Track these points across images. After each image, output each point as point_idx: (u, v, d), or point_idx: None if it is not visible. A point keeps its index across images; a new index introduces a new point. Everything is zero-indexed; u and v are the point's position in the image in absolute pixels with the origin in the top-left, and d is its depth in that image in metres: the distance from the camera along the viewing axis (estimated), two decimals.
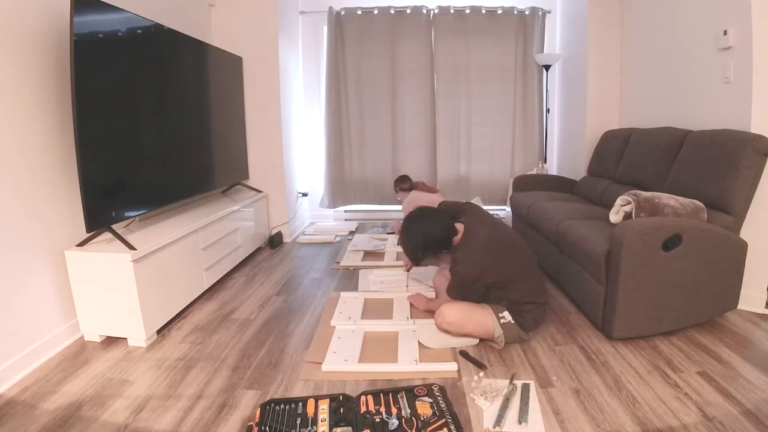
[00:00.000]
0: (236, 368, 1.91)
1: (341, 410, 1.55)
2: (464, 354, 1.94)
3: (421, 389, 1.66)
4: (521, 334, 2.02)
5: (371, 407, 1.57)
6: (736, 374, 1.77)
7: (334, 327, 2.24)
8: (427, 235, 1.97)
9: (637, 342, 2.05)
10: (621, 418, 1.53)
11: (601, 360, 1.92)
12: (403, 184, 3.79)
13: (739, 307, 2.23)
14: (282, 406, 1.59)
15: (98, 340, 2.16)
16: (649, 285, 1.99)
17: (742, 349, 1.97)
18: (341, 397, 1.62)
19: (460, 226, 2.03)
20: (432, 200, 3.51)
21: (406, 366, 1.87)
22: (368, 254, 3.50)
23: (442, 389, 1.67)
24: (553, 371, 1.84)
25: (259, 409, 1.57)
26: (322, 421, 1.50)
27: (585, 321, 2.29)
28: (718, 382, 1.72)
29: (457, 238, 2.02)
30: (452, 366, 1.87)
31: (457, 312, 2.00)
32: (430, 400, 1.60)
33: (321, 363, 1.90)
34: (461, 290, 2.04)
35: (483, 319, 1.98)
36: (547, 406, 1.60)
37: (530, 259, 2.13)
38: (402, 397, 1.62)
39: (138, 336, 2.10)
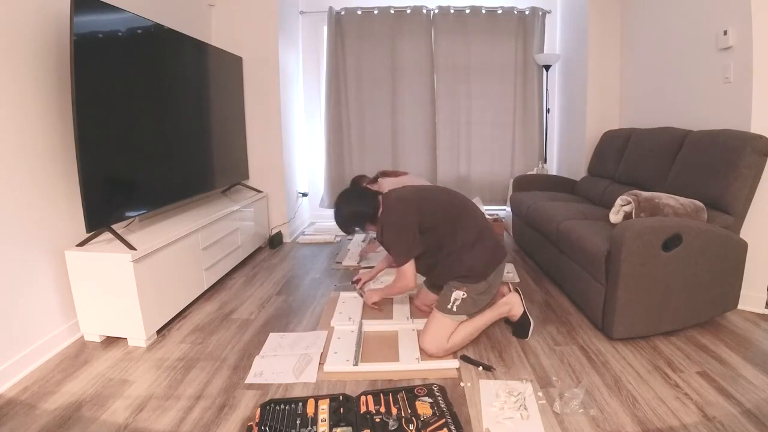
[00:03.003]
0: (236, 368, 1.91)
1: (341, 410, 1.55)
2: (466, 357, 1.94)
3: (421, 389, 1.66)
4: (480, 290, 1.97)
5: (371, 407, 1.57)
6: (736, 374, 1.77)
7: (334, 327, 2.24)
8: (355, 211, 2.08)
9: (637, 342, 2.05)
10: (621, 418, 1.53)
11: (601, 360, 1.92)
12: (365, 179, 3.40)
13: (739, 307, 2.23)
14: (282, 406, 1.59)
15: (98, 340, 2.16)
16: (649, 285, 1.99)
17: (742, 349, 1.97)
18: (341, 397, 1.62)
19: (380, 200, 2.11)
20: (410, 180, 3.31)
21: (408, 365, 1.88)
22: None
23: (442, 389, 1.67)
24: (553, 371, 1.84)
25: (259, 409, 1.57)
26: (322, 421, 1.50)
27: (585, 321, 2.29)
28: (718, 382, 1.72)
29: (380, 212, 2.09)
30: (453, 363, 1.88)
31: (433, 342, 1.94)
32: (430, 400, 1.60)
33: (322, 363, 1.90)
34: (400, 243, 1.99)
35: (450, 326, 1.96)
36: (546, 406, 1.60)
37: (463, 206, 2.10)
38: (402, 397, 1.62)
39: (138, 336, 2.10)
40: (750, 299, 2.31)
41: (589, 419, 1.53)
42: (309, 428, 1.47)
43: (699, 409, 1.57)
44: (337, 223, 2.14)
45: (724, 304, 2.16)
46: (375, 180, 3.40)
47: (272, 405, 1.59)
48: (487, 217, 4.16)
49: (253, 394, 1.72)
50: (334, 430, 1.46)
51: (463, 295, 1.95)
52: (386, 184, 3.29)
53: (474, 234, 2.02)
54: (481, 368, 1.86)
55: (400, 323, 2.25)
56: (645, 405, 1.60)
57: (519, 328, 2.14)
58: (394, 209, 2.02)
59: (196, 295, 2.62)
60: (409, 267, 2.01)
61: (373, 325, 2.24)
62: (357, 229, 2.15)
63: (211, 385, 1.79)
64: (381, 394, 1.64)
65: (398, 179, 3.33)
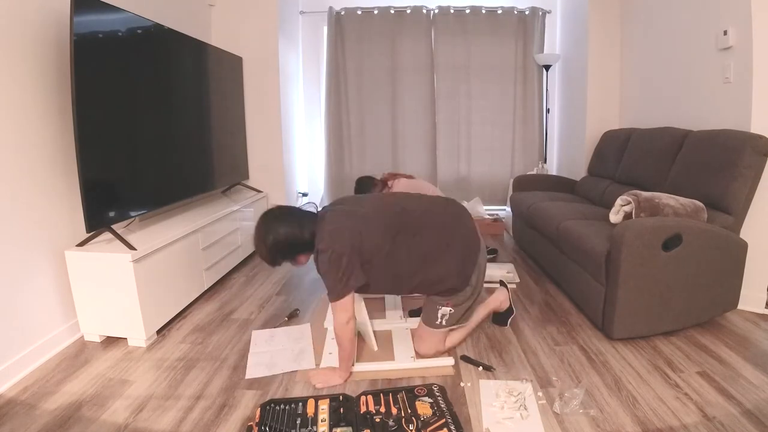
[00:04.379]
0: (236, 368, 1.91)
1: (341, 410, 1.55)
2: (466, 358, 1.94)
3: (421, 389, 1.66)
4: (465, 296, 1.83)
5: (371, 407, 1.57)
6: (736, 374, 1.77)
7: (327, 328, 2.24)
8: (291, 239, 1.69)
9: (637, 342, 2.05)
10: (621, 418, 1.53)
11: (601, 360, 1.92)
12: (374, 180, 3.12)
13: (739, 307, 2.23)
14: (282, 406, 1.59)
15: (98, 340, 2.16)
16: (649, 285, 1.99)
17: (742, 349, 1.97)
18: (341, 397, 1.63)
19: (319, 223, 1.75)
20: (426, 187, 3.10)
21: (404, 363, 1.88)
22: None
23: (442, 389, 1.67)
24: (553, 371, 1.84)
25: (259, 409, 1.57)
26: (322, 421, 1.50)
27: (585, 321, 2.29)
28: (718, 382, 1.72)
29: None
30: (449, 361, 1.88)
31: (430, 349, 1.91)
32: (430, 400, 1.60)
33: (319, 365, 1.90)
34: (337, 278, 1.64)
35: (443, 334, 1.91)
36: (546, 406, 1.60)
37: (420, 219, 1.81)
38: (402, 397, 1.62)
39: (138, 336, 2.10)
40: (750, 299, 2.31)
41: (589, 419, 1.53)
42: (309, 428, 1.47)
43: (699, 409, 1.57)
44: (261, 250, 1.70)
45: (724, 304, 2.16)
46: (385, 183, 3.12)
47: (272, 405, 1.59)
48: (477, 219, 4.11)
49: (253, 394, 1.72)
50: (334, 430, 1.46)
51: (450, 310, 1.83)
52: (400, 186, 3.05)
53: (436, 246, 1.76)
54: (481, 368, 1.86)
55: (394, 322, 2.25)
56: (645, 405, 1.60)
57: (499, 316, 2.19)
58: (330, 235, 1.67)
59: (196, 295, 2.62)
60: (348, 299, 1.68)
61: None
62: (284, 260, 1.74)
63: (211, 385, 1.79)
64: (381, 394, 1.64)
65: (412, 182, 3.10)
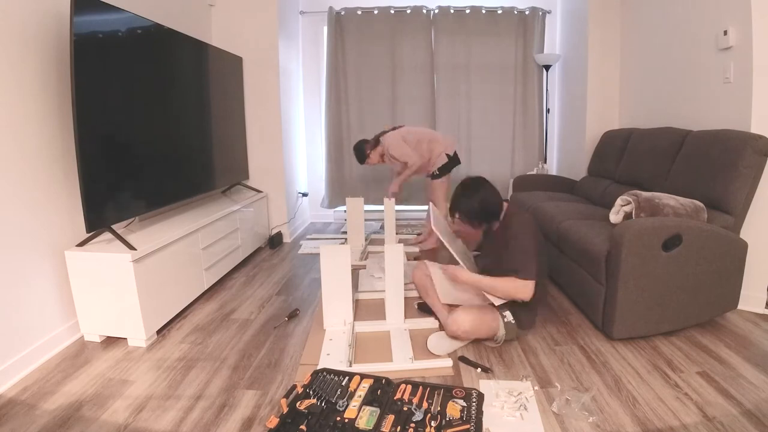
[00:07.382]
0: (236, 368, 1.91)
1: (378, 392, 1.61)
2: (464, 359, 1.93)
3: (460, 391, 1.62)
4: (519, 332, 2.04)
5: (405, 396, 1.59)
6: (736, 374, 1.77)
7: (326, 330, 2.24)
8: (485, 202, 1.94)
9: (637, 342, 2.05)
10: (621, 418, 1.53)
11: (601, 360, 1.92)
12: (367, 143, 3.53)
13: (739, 307, 2.23)
14: (331, 376, 1.71)
15: (98, 340, 2.16)
16: (649, 285, 1.99)
17: (742, 349, 1.97)
18: (384, 381, 1.67)
19: (505, 204, 2.02)
20: (425, 132, 3.53)
21: (402, 364, 1.88)
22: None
23: (480, 396, 1.60)
24: (553, 371, 1.84)
25: (311, 375, 1.69)
26: (358, 396, 1.58)
27: (585, 321, 2.29)
28: (718, 382, 1.72)
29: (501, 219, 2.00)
30: (447, 362, 1.88)
31: (471, 319, 1.95)
32: (464, 404, 1.55)
33: (316, 365, 1.89)
34: (530, 262, 1.85)
35: (493, 322, 1.97)
36: (546, 406, 1.61)
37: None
38: (438, 394, 1.61)
39: (138, 336, 2.10)
40: (750, 299, 2.31)
41: (589, 420, 1.53)
42: (345, 400, 1.56)
43: (699, 409, 1.57)
44: (465, 209, 1.95)
45: (724, 304, 2.16)
46: (377, 143, 3.50)
47: (324, 374, 1.71)
48: None
49: (253, 394, 1.73)
50: (364, 407, 1.53)
51: (513, 320, 1.98)
52: (390, 139, 3.43)
53: (543, 292, 2.03)
54: (479, 370, 1.85)
55: (392, 324, 2.25)
56: (645, 405, 1.60)
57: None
58: (529, 222, 1.93)
59: (196, 295, 2.62)
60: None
61: (364, 326, 2.24)
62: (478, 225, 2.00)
63: (211, 385, 1.79)
64: (420, 387, 1.65)
65: (399, 131, 3.47)
